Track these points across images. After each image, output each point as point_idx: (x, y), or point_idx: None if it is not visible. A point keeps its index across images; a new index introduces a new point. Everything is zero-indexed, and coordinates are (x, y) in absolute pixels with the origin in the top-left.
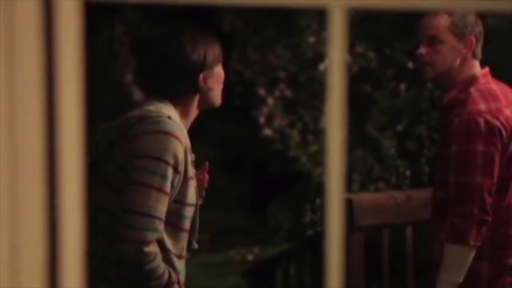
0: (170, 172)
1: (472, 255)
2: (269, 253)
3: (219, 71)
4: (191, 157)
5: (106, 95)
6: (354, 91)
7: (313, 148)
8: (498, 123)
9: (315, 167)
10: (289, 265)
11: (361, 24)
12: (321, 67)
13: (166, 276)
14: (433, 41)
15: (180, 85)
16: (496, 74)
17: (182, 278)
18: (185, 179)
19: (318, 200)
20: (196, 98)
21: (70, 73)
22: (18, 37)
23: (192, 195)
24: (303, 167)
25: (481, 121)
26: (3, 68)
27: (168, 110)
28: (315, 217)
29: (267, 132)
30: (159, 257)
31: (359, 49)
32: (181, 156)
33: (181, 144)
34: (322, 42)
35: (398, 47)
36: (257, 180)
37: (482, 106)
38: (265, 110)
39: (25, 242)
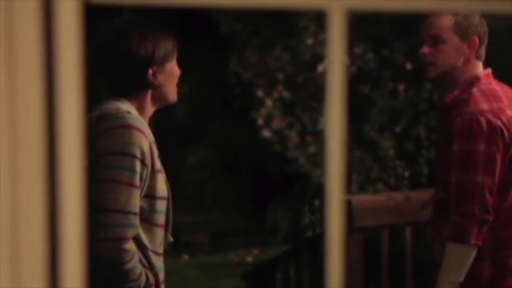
0: (138, 165)
1: (473, 254)
2: (268, 254)
3: (172, 67)
4: (156, 151)
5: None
6: (352, 92)
7: (312, 149)
8: (500, 123)
9: (313, 168)
10: (289, 267)
11: (359, 25)
12: (320, 68)
13: (143, 277)
14: (436, 40)
15: (129, 81)
16: (497, 75)
17: (161, 275)
18: (153, 172)
19: (316, 202)
20: (149, 94)
21: (70, 74)
22: (18, 39)
23: (162, 188)
24: (301, 168)
25: (483, 120)
26: (3, 69)
27: (126, 107)
28: (314, 218)
29: (266, 133)
30: (137, 257)
31: (357, 50)
32: (146, 148)
33: (145, 137)
34: (320, 43)
35: (396, 48)
36: (256, 181)
37: (484, 106)
38: (263, 111)
39: (25, 242)
